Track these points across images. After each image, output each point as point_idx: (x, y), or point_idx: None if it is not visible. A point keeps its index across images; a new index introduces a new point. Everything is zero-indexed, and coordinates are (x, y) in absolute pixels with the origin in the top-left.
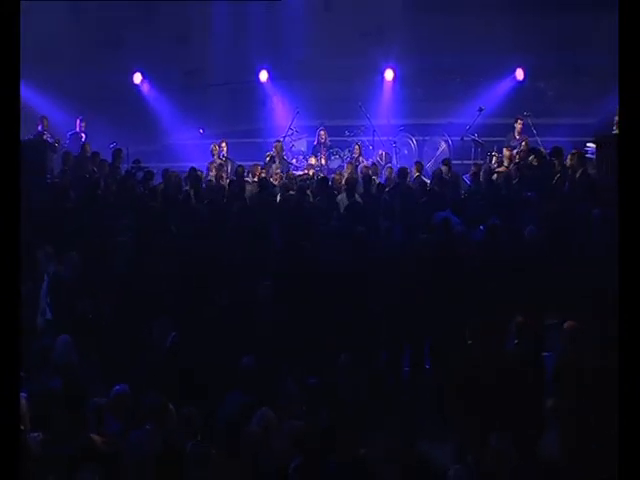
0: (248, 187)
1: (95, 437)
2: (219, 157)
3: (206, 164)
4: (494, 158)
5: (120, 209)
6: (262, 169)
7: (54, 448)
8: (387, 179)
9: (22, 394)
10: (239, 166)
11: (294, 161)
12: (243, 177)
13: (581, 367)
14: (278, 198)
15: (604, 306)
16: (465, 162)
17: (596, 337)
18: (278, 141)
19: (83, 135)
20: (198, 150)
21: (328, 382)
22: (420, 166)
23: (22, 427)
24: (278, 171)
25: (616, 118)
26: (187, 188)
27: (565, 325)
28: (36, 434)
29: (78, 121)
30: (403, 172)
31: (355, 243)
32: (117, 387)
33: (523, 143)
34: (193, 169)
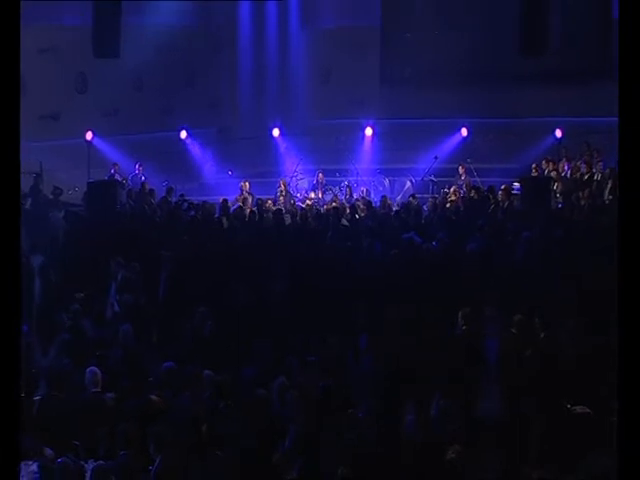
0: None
1: (154, 397)
2: (245, 192)
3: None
4: (446, 192)
5: (170, 230)
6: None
7: (123, 405)
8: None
9: (93, 367)
10: (259, 199)
11: (298, 195)
12: (262, 207)
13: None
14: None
15: (532, 301)
16: (425, 196)
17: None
18: (283, 179)
19: (143, 177)
20: (228, 187)
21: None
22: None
23: (99, 389)
24: (282, 199)
25: (534, 165)
26: (219, 214)
27: (514, 317)
28: (110, 394)
29: (137, 166)
30: (382, 203)
31: (344, 254)
32: (166, 363)
33: (466, 183)
34: (225, 200)
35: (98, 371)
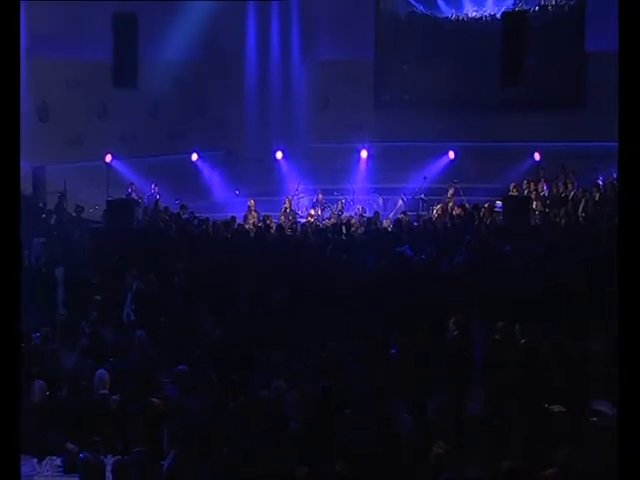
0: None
1: (155, 400)
2: (252, 209)
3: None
4: (435, 210)
5: (181, 244)
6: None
7: (126, 407)
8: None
9: (102, 370)
10: (265, 215)
11: (299, 212)
12: (267, 223)
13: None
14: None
15: (514, 310)
16: (415, 213)
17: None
18: (289, 197)
19: (157, 195)
20: (235, 205)
21: (324, 362)
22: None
23: (106, 391)
24: (283, 218)
25: (512, 184)
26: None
27: (498, 324)
28: (115, 396)
29: (153, 185)
30: (375, 219)
31: (342, 266)
32: (180, 366)
33: (453, 201)
34: (233, 217)
35: (107, 374)
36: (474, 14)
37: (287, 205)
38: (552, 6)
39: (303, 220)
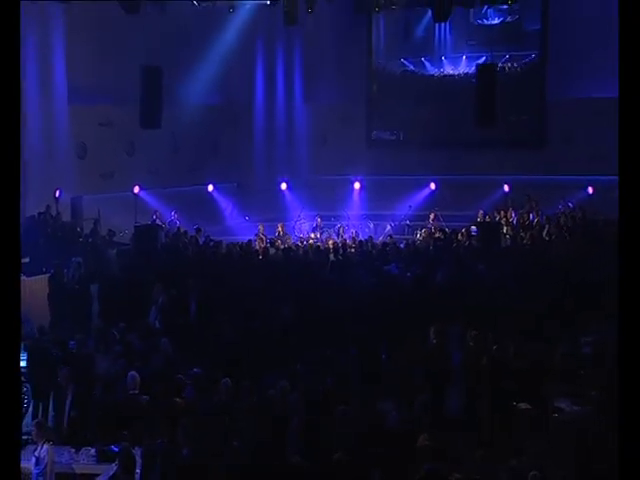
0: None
1: (178, 400)
2: (261, 233)
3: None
4: (418, 234)
5: (199, 263)
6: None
7: (154, 405)
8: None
9: (133, 372)
10: (271, 238)
11: (301, 236)
12: (274, 245)
13: (480, 356)
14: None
15: (488, 319)
16: (401, 237)
17: (483, 339)
18: (281, 223)
19: (178, 222)
20: (245, 229)
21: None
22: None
23: (136, 392)
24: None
25: (481, 212)
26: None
27: (472, 333)
28: (145, 397)
29: (173, 213)
30: (368, 242)
31: (338, 283)
32: (194, 369)
33: (434, 226)
34: (250, 241)
35: (137, 376)
36: (451, 72)
37: (280, 230)
38: (508, 67)
39: (304, 243)
